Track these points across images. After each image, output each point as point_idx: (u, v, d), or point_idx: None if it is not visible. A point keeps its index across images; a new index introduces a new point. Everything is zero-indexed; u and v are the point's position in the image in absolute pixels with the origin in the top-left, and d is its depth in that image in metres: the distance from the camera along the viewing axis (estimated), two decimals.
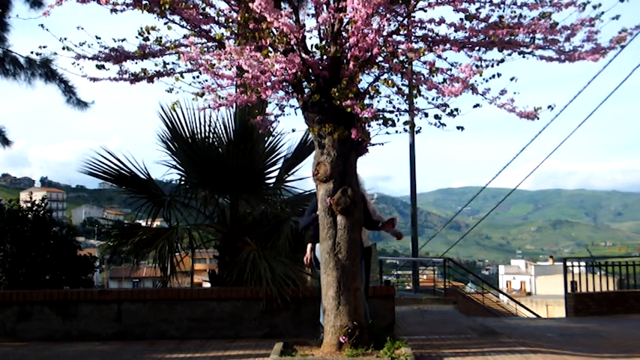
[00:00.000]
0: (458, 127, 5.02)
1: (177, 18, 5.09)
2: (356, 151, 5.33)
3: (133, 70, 5.38)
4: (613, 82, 12.16)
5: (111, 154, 7.57)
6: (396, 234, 6.08)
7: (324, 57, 5.04)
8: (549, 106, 4.67)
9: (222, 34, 5.18)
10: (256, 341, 6.13)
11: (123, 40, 5.25)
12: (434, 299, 11.67)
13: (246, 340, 6.25)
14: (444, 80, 4.87)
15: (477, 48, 4.92)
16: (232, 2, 5.15)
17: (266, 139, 7.66)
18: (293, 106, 5.47)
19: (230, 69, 5.03)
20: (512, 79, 4.57)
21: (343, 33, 4.93)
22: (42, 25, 5.12)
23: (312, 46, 5.08)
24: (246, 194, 7.70)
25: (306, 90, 5.19)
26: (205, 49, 5.24)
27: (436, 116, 5.10)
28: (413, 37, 5.06)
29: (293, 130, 5.67)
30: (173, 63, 5.35)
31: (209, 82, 5.14)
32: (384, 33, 4.85)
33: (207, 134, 7.62)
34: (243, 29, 5.00)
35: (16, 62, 11.28)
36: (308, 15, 5.25)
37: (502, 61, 5.01)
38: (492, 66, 4.98)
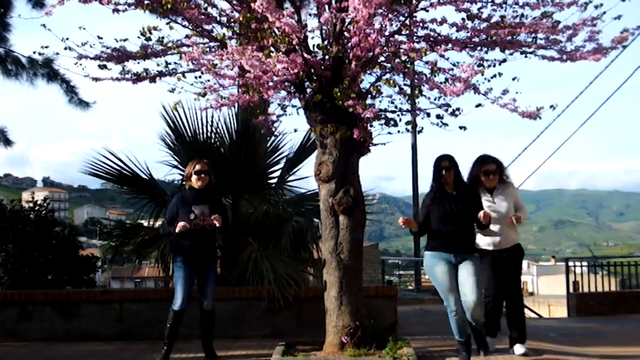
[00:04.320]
0: (460, 127, 5.03)
1: (179, 18, 5.10)
2: (358, 151, 5.33)
3: (135, 70, 5.39)
4: (615, 82, 12.15)
5: (113, 154, 7.56)
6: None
7: (326, 57, 5.04)
8: (551, 106, 4.67)
9: (224, 34, 5.18)
10: (258, 341, 6.12)
11: (125, 40, 5.26)
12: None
13: (248, 340, 6.24)
14: (446, 80, 4.87)
15: (478, 48, 4.92)
16: (234, 2, 5.15)
17: (268, 139, 7.64)
18: (295, 106, 5.46)
19: (232, 69, 5.03)
20: (514, 79, 4.57)
21: (345, 33, 4.93)
22: (44, 25, 5.12)
23: (314, 46, 5.08)
24: (248, 194, 7.70)
25: (308, 90, 5.19)
26: (207, 49, 5.25)
27: (438, 116, 5.10)
28: (415, 37, 5.06)
29: (295, 130, 5.71)
30: (175, 63, 5.36)
31: (211, 82, 5.15)
32: (386, 33, 4.85)
33: (209, 134, 7.61)
34: (245, 29, 5.01)
35: (18, 62, 11.29)
36: (310, 15, 5.25)
37: (504, 60, 5.01)
38: (494, 66, 4.98)
